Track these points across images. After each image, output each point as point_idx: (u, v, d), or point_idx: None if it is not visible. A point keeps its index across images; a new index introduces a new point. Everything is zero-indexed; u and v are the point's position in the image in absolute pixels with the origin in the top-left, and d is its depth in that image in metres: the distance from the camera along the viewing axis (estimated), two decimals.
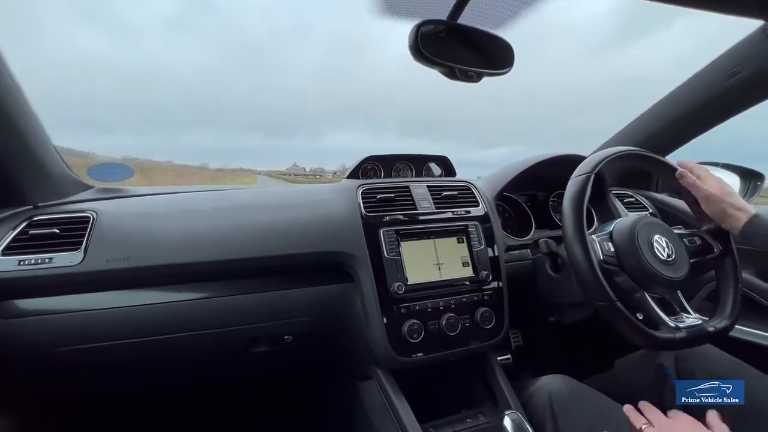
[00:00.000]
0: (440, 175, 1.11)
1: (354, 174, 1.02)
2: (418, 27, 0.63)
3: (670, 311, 0.72)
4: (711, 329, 0.70)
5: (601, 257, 0.71)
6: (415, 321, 0.77)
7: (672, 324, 0.68)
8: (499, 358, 0.89)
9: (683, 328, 0.68)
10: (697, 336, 0.68)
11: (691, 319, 0.71)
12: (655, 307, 0.70)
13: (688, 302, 0.75)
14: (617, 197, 1.10)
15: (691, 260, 0.74)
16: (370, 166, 1.04)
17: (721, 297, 0.76)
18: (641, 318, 0.70)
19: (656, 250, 0.71)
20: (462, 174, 1.11)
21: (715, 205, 0.75)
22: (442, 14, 0.67)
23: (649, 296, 0.71)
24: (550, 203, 1.14)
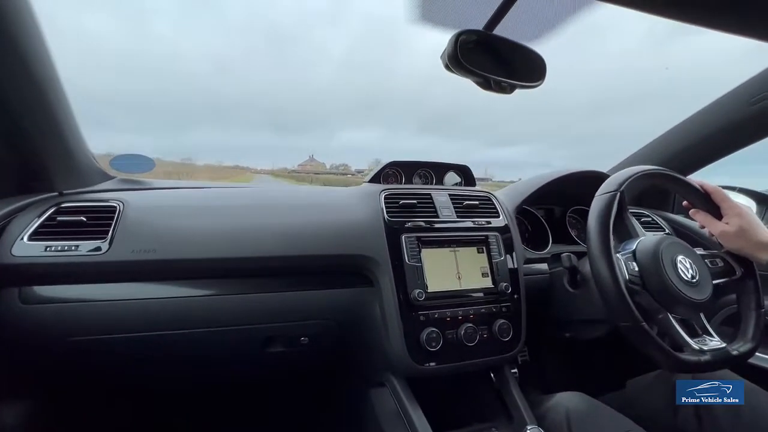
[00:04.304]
0: (459, 184, 1.11)
1: (375, 179, 1.02)
2: (457, 37, 0.63)
3: (693, 333, 0.72)
4: (735, 353, 0.69)
5: (627, 276, 0.70)
6: (433, 329, 0.76)
7: (696, 347, 0.67)
8: None
9: (707, 351, 0.67)
10: (721, 359, 0.67)
11: (715, 341, 0.70)
12: (679, 328, 0.69)
13: None
14: (634, 216, 1.10)
15: (713, 282, 0.73)
16: (391, 172, 1.05)
17: (742, 320, 0.75)
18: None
19: (680, 271, 0.70)
20: (478, 172, 1.12)
21: (732, 243, 0.75)
22: (478, 25, 0.68)
23: (672, 317, 0.70)
24: (568, 218, 1.14)
